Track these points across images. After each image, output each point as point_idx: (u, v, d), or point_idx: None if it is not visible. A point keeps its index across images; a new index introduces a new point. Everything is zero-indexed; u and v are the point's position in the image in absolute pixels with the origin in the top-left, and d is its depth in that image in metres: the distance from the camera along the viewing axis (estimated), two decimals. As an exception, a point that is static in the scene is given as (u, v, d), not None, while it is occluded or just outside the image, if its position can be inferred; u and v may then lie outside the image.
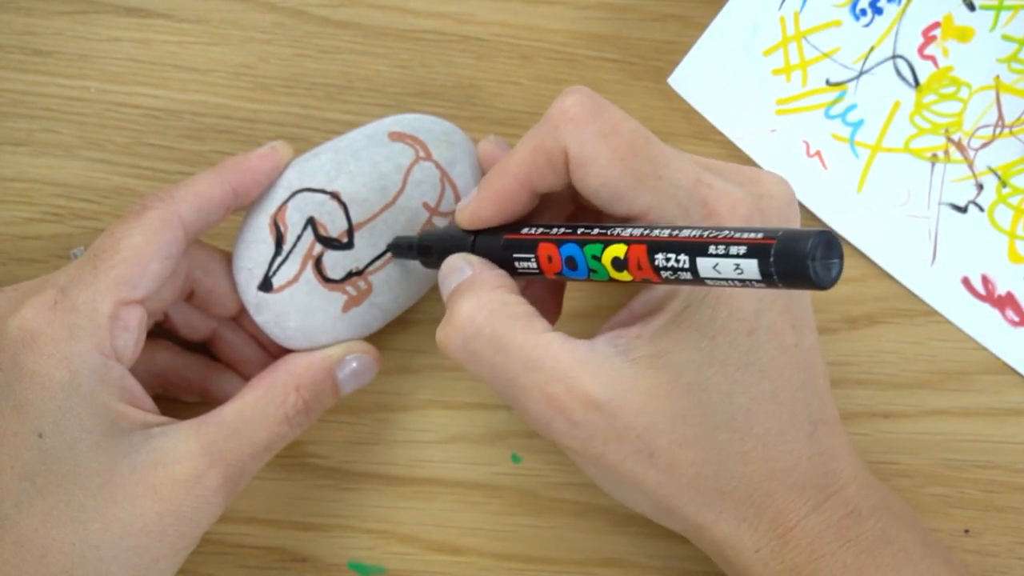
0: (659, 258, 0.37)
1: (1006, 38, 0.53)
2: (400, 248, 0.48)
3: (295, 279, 0.47)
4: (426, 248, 0.47)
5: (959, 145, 0.53)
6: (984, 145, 0.53)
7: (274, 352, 0.48)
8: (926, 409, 0.52)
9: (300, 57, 0.53)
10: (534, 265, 0.43)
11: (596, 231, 0.40)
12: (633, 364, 0.41)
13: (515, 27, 0.54)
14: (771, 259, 0.34)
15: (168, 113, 0.53)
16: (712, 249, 0.35)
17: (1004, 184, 0.52)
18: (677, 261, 0.37)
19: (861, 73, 0.53)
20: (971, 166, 0.53)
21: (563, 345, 0.41)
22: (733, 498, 0.42)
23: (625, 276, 0.39)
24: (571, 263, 0.41)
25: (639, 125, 0.42)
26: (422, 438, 0.52)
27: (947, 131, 0.53)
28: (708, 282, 0.36)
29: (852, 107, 0.53)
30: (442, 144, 0.49)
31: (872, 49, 0.53)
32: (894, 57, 0.53)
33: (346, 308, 0.47)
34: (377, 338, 0.49)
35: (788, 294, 0.42)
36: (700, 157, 0.44)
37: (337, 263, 0.47)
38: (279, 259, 0.47)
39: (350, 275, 0.47)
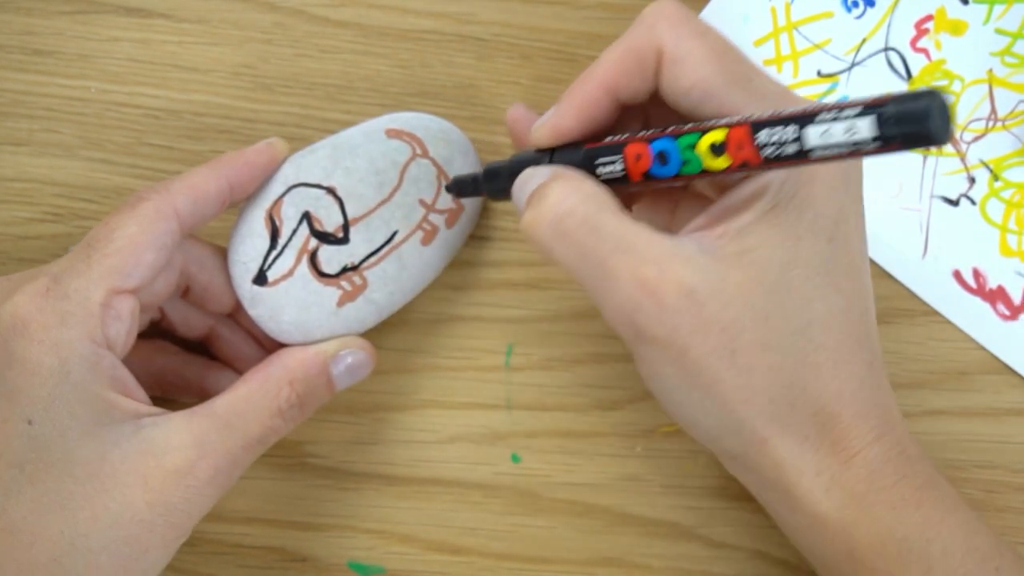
0: (763, 134, 0.37)
1: (999, 32, 0.53)
2: (462, 184, 0.47)
3: (290, 273, 0.47)
4: (494, 173, 0.46)
5: (951, 139, 0.52)
6: (976, 139, 0.53)
7: (271, 349, 0.48)
8: (926, 409, 0.52)
9: (300, 57, 0.54)
10: (620, 168, 0.42)
11: (689, 126, 0.40)
12: (719, 261, 0.40)
13: (515, 27, 0.54)
14: (888, 115, 0.33)
15: (168, 113, 0.53)
16: (822, 115, 0.35)
17: (996, 178, 0.52)
18: (783, 133, 0.36)
19: (853, 65, 0.53)
20: (963, 159, 0.52)
21: (654, 233, 0.41)
22: (802, 413, 0.41)
23: (722, 162, 0.39)
24: (663, 158, 0.40)
25: (726, 36, 0.42)
26: (422, 438, 0.51)
27: (941, 125, 0.52)
28: (813, 155, 0.36)
29: (843, 99, 0.52)
30: (439, 142, 0.49)
31: (864, 41, 0.53)
32: (886, 49, 0.53)
33: (341, 303, 0.47)
34: (376, 338, 0.48)
35: (859, 214, 0.42)
36: None
37: (332, 258, 0.47)
38: (274, 253, 0.47)
39: (345, 270, 0.47)
